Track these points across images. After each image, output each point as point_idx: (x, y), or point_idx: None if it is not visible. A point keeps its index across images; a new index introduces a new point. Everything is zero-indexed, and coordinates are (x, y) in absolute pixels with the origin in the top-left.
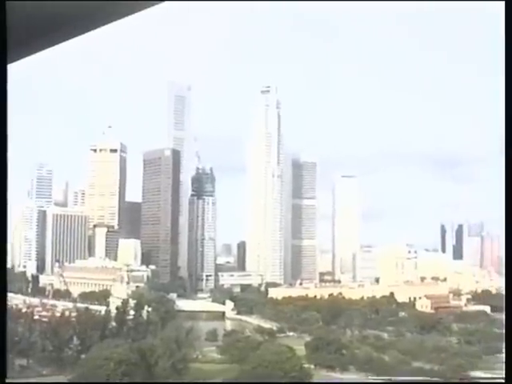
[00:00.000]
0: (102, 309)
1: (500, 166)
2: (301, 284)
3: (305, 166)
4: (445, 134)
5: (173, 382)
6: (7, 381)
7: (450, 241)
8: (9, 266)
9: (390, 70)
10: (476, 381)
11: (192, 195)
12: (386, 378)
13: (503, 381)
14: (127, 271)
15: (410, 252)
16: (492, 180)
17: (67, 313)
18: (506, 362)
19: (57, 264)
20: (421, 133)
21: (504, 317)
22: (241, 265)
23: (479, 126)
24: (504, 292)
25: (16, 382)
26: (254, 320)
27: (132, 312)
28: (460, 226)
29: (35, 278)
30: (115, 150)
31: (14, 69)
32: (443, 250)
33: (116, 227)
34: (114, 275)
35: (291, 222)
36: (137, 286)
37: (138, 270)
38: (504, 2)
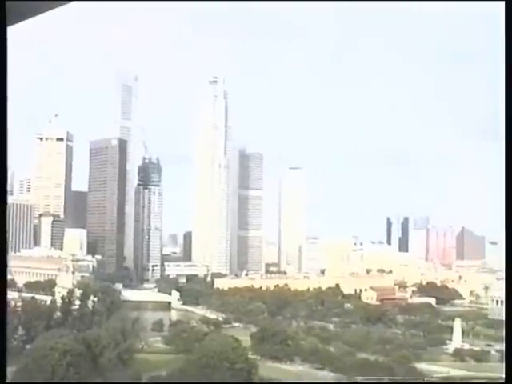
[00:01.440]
0: (48, 299)
1: (445, 163)
2: (247, 275)
3: (251, 157)
4: (394, 132)
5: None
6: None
7: (396, 233)
8: None
9: (340, 65)
10: (476, 381)
11: (138, 185)
12: (386, 379)
13: (503, 381)
14: (73, 261)
15: (355, 244)
16: (438, 176)
17: (12, 303)
18: (506, 362)
19: None
20: (370, 128)
21: (504, 318)
22: (187, 255)
23: (428, 125)
24: (504, 292)
25: (16, 382)
26: (199, 310)
27: (77, 302)
28: (406, 219)
29: None
30: (61, 139)
31: None
32: (389, 243)
33: (62, 216)
34: (59, 265)
35: (237, 212)
36: (82, 276)
37: (84, 260)
38: (504, 2)
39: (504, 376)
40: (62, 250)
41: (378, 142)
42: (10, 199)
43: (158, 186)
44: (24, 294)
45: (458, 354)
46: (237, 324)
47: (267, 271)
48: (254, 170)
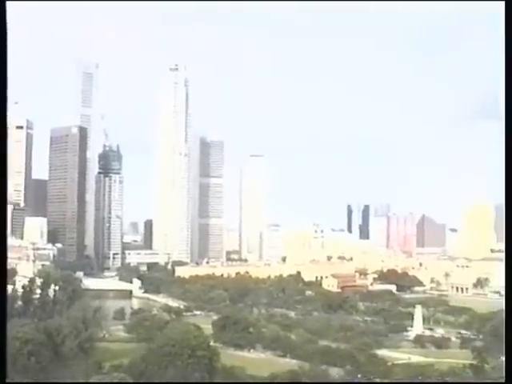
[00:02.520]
0: (8, 288)
1: (407, 152)
2: (208, 263)
3: (212, 145)
4: (355, 120)
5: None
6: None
7: (357, 221)
8: None
9: (301, 53)
10: (476, 381)
11: (99, 173)
12: (386, 380)
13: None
14: (33, 249)
15: (316, 231)
16: (398, 164)
17: None
18: (506, 362)
19: None
20: (331, 116)
21: (504, 317)
22: (148, 243)
23: (389, 113)
24: (504, 292)
25: (16, 382)
26: (161, 299)
27: (38, 291)
28: (366, 207)
29: None
30: (21, 127)
31: None
32: (349, 230)
33: (22, 205)
34: (20, 253)
35: (198, 200)
36: (43, 265)
37: (45, 249)
38: (504, 2)
39: (504, 376)
40: (22, 238)
41: (339, 130)
42: None
43: (118, 173)
44: None
45: (419, 341)
46: (198, 312)
47: (228, 259)
48: (214, 157)
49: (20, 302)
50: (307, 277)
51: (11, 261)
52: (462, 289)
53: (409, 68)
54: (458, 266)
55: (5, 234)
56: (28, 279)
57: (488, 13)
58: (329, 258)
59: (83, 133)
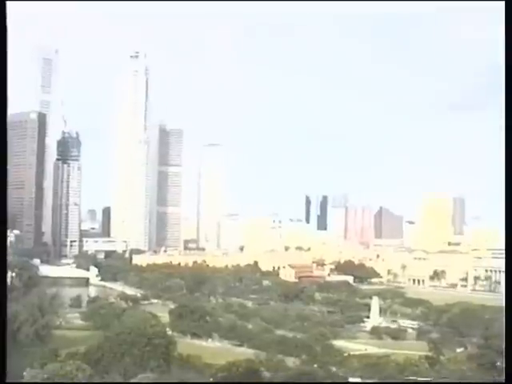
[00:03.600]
0: None
1: (366, 143)
2: (165, 251)
3: (172, 133)
4: (314, 110)
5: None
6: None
7: (315, 211)
8: None
9: (261, 41)
10: (476, 381)
11: (57, 159)
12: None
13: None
14: None
15: (274, 221)
16: (357, 155)
17: None
18: (505, 362)
19: None
20: (290, 106)
21: (504, 318)
22: (106, 231)
23: (347, 103)
24: (504, 292)
25: (16, 382)
26: (118, 286)
27: None
28: (324, 198)
29: None
30: None
31: None
32: (307, 221)
33: None
34: None
35: (157, 188)
36: None
37: None
38: (504, 2)
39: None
40: None
41: (299, 121)
42: None
43: (77, 160)
44: None
45: (376, 332)
46: (155, 300)
47: (186, 247)
48: (173, 146)
49: None
50: (264, 266)
51: None
52: (418, 281)
53: (371, 57)
54: (415, 258)
55: (5, 233)
56: None
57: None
58: (286, 249)
59: (42, 119)
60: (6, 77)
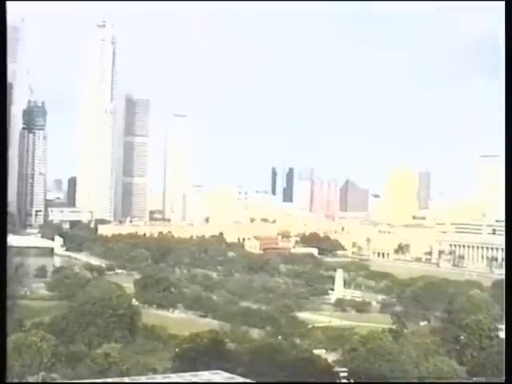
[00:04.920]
0: None
1: (333, 115)
2: (131, 222)
3: (138, 104)
4: (281, 82)
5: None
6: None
7: (281, 183)
8: None
9: (234, 17)
10: (476, 381)
11: (23, 128)
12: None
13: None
14: None
15: (240, 193)
16: (323, 127)
17: None
18: (505, 362)
19: None
20: (259, 78)
21: (505, 317)
22: (71, 201)
23: (311, 75)
24: (504, 292)
25: (16, 382)
26: (83, 257)
27: None
28: (291, 170)
29: None
30: None
31: None
32: (273, 193)
33: None
34: None
35: (123, 159)
36: None
37: None
38: (504, 2)
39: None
40: None
41: (265, 93)
42: None
43: (42, 130)
44: None
45: (340, 304)
46: (120, 271)
47: (151, 218)
48: (140, 116)
49: None
50: (230, 238)
51: None
52: (383, 254)
53: (332, 33)
54: (379, 231)
55: (5, 233)
56: None
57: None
58: (252, 220)
59: (8, 88)
60: (6, 77)
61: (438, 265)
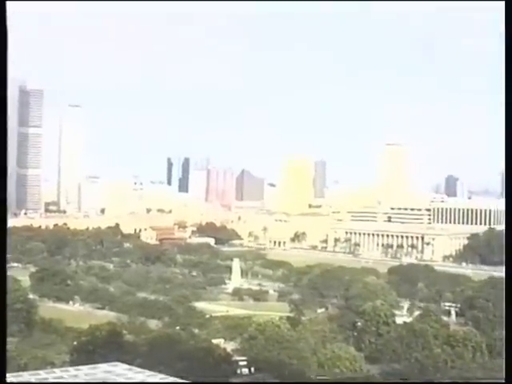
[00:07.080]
0: None
1: (229, 104)
2: (25, 214)
3: (32, 94)
4: (176, 71)
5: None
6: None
7: (177, 174)
8: None
9: None
10: (476, 381)
11: None
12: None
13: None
14: None
15: (135, 183)
16: (220, 117)
17: None
18: (505, 362)
19: None
20: (157, 69)
21: (505, 316)
22: None
23: (214, 66)
24: (504, 292)
25: (16, 382)
26: None
27: None
28: (186, 160)
29: None
30: None
31: None
32: (169, 183)
33: None
34: None
35: (17, 150)
36: None
37: None
38: (504, 2)
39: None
40: None
41: (160, 81)
42: None
43: None
44: None
45: (237, 294)
46: (15, 264)
47: (46, 210)
48: (34, 106)
49: None
50: (126, 229)
51: None
52: (279, 243)
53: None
54: (276, 220)
55: (5, 233)
56: None
57: None
58: (148, 211)
59: None
60: (6, 76)
61: (334, 252)
